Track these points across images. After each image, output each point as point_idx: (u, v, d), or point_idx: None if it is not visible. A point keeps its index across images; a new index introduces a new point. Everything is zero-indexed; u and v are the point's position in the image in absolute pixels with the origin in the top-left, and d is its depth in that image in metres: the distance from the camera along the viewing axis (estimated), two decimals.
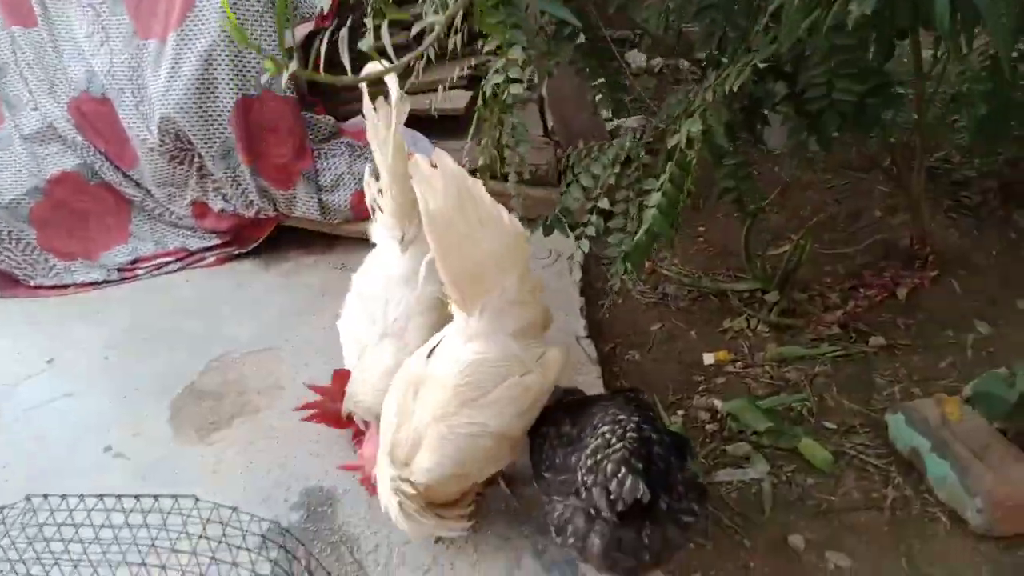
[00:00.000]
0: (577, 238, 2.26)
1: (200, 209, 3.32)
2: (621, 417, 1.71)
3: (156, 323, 3.04)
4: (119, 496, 1.24)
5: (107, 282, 3.31)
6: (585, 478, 1.67)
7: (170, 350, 2.85)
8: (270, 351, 2.83)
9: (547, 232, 2.36)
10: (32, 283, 3.28)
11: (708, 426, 2.38)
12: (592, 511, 1.65)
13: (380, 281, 2.25)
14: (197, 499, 1.77)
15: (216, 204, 3.28)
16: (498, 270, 1.79)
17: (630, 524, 1.63)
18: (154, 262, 3.35)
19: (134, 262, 3.35)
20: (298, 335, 2.89)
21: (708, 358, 2.64)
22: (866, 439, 2.27)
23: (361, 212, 3.15)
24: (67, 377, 2.80)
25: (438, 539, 2.02)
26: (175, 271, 3.35)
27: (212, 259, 3.36)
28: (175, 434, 2.50)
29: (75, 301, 3.26)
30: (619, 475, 1.57)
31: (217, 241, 3.37)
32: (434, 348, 1.89)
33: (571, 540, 1.70)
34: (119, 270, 3.34)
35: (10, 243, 3.25)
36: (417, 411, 1.85)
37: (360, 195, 3.01)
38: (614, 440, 1.64)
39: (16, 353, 2.96)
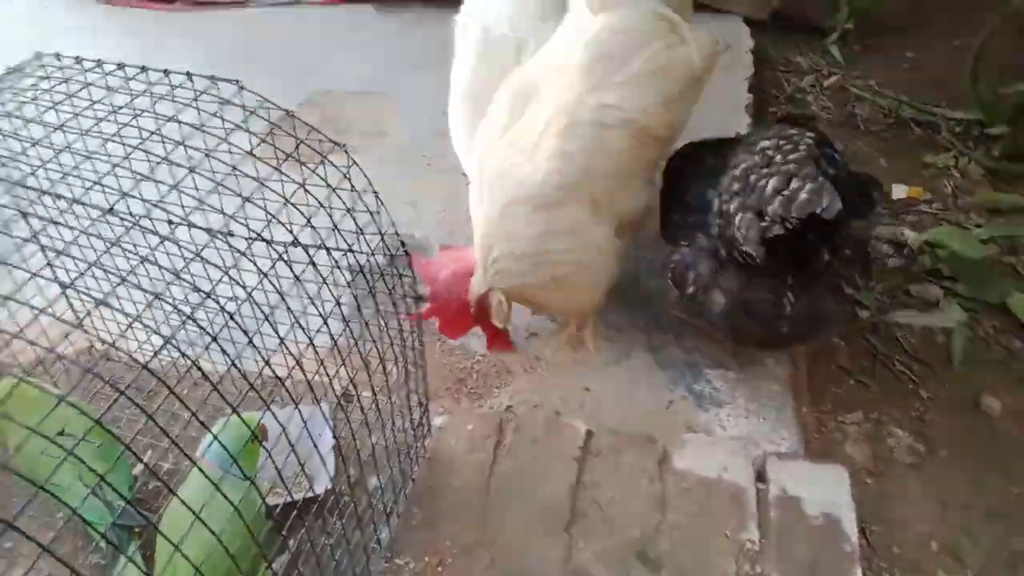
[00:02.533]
0: None
1: None
2: (791, 132, 1.26)
3: (260, 51, 2.71)
4: (144, 67, 0.97)
5: (214, 2, 2.99)
6: (726, 205, 1.25)
7: (269, 77, 2.53)
8: (377, 96, 2.48)
9: None
10: None
11: (890, 260, 1.89)
12: (725, 252, 1.25)
13: (501, 27, 1.72)
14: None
15: None
16: None
17: (767, 281, 1.21)
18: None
19: None
20: (410, 83, 2.51)
21: (899, 191, 2.11)
22: None
23: None
24: None
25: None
26: (287, 3, 2.98)
27: None
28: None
29: (177, 19, 2.97)
30: (786, 191, 1.14)
31: None
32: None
33: (691, 290, 1.31)
34: None
35: None
36: (528, 114, 1.44)
37: None
38: (778, 157, 1.20)
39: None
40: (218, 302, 0.83)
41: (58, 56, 1.07)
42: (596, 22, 1.42)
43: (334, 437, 1.28)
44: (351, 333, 1.06)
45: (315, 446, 1.01)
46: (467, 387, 1.57)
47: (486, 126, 1.51)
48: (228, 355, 0.81)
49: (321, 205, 1.01)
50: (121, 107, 0.98)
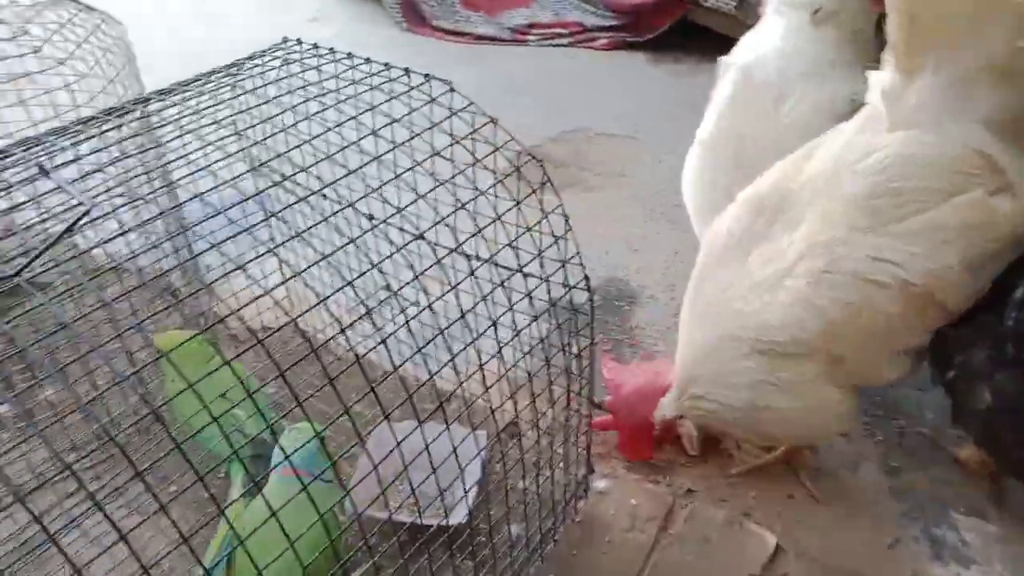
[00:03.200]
0: None
1: None
2: None
3: (527, 84, 2.78)
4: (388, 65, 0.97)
5: (498, 39, 3.14)
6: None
7: (531, 109, 2.58)
8: (626, 139, 2.41)
9: None
10: (434, 23, 3.25)
11: None
12: (1014, 350, 1.00)
13: (767, 72, 1.53)
14: None
15: None
16: (979, 6, 1.04)
17: None
18: (548, 31, 3.09)
19: (529, 26, 3.12)
20: (662, 129, 2.40)
21: None
22: None
23: None
24: None
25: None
26: (564, 44, 3.05)
27: (604, 41, 2.98)
28: None
29: (463, 49, 3.16)
30: None
31: (614, 22, 2.98)
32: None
33: (951, 374, 1.07)
34: (512, 30, 3.14)
35: None
36: (775, 234, 1.16)
37: None
38: None
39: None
40: (431, 308, 0.77)
41: (299, 41, 1.10)
42: (889, 140, 1.09)
43: (483, 470, 1.18)
44: (528, 366, 0.95)
45: (461, 474, 0.90)
46: (652, 463, 1.38)
47: (720, 227, 1.23)
48: (428, 366, 0.75)
49: (528, 229, 0.91)
50: (345, 99, 0.96)
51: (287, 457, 0.97)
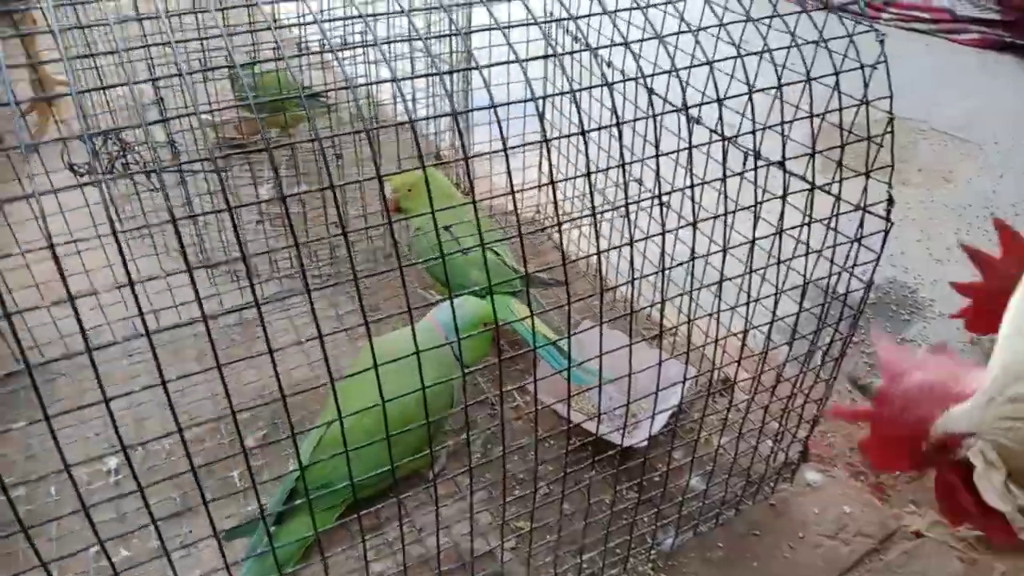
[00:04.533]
0: None
1: None
2: None
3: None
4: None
5: (846, 9, 2.82)
6: None
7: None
8: (962, 142, 2.05)
9: None
10: None
11: None
12: None
13: None
14: None
15: None
16: None
17: None
18: (906, 13, 2.70)
19: (886, 3, 2.76)
20: (1011, 141, 1.99)
21: None
22: None
23: None
24: None
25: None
26: (921, 31, 2.65)
27: (973, 35, 2.55)
28: None
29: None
30: None
31: (995, 16, 2.51)
32: None
33: None
34: (866, 3, 2.80)
35: None
36: None
37: None
38: None
39: None
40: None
41: None
42: None
43: (678, 406, 1.05)
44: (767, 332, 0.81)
45: (655, 396, 0.80)
46: (880, 477, 1.15)
47: None
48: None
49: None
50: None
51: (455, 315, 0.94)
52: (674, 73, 0.65)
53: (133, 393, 0.53)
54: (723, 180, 0.67)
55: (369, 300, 1.41)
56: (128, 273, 0.45)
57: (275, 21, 0.96)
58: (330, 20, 0.84)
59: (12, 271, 1.19)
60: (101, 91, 1.35)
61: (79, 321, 0.45)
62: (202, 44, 1.30)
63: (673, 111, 0.69)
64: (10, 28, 1.55)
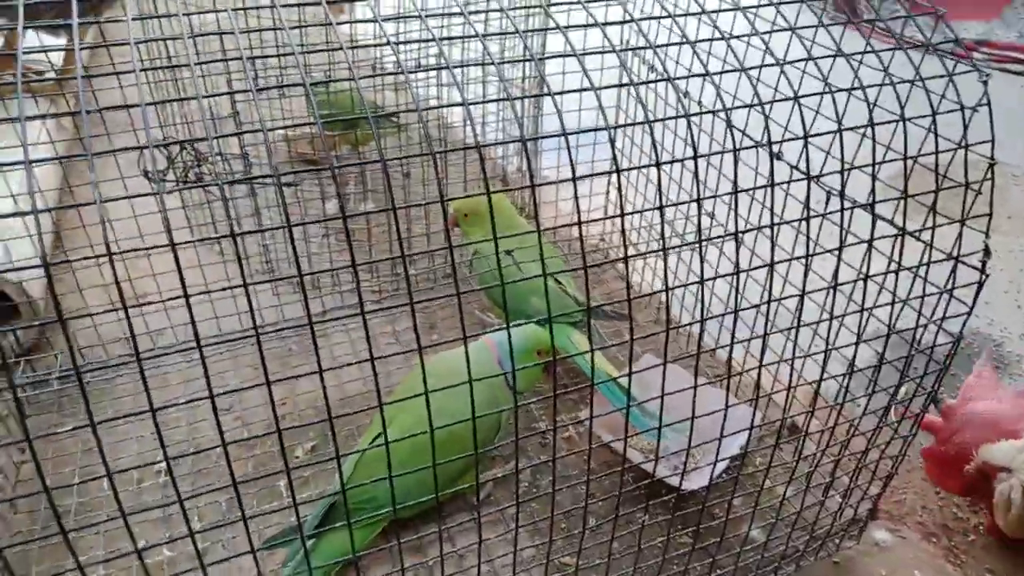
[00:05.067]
0: None
1: None
2: None
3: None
4: None
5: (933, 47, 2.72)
6: None
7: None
8: None
9: None
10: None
11: None
12: None
13: None
14: None
15: None
16: None
17: None
18: (1001, 53, 2.59)
19: (979, 43, 2.65)
20: None
21: None
22: None
23: None
24: None
25: None
26: (1017, 72, 2.54)
27: None
28: None
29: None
30: None
31: None
32: None
33: None
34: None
35: None
36: None
37: None
38: None
39: None
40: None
41: None
42: None
43: (742, 452, 1.00)
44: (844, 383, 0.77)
45: (719, 444, 0.76)
46: (953, 540, 1.08)
47: None
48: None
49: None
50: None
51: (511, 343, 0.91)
52: (757, 107, 0.62)
53: (177, 404, 0.53)
54: (807, 220, 0.64)
55: (428, 318, 1.40)
56: (183, 281, 0.45)
57: (352, 41, 0.97)
58: (405, 43, 0.84)
59: (87, 270, 1.23)
60: (180, 103, 1.39)
61: (131, 327, 0.45)
62: (279, 60, 1.33)
63: (754, 146, 0.66)
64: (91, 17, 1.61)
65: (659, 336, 1.34)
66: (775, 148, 0.66)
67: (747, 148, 0.65)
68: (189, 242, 0.50)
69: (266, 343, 1.20)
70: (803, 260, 0.67)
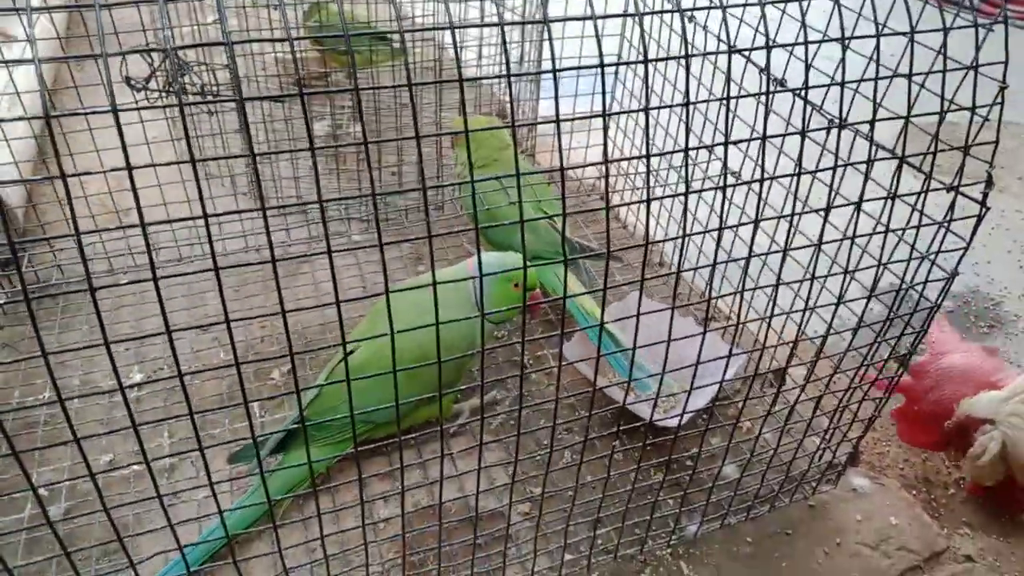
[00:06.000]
0: None
1: None
2: None
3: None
4: None
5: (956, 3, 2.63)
6: None
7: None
8: None
9: None
10: None
11: None
12: None
13: None
14: None
15: None
16: None
17: None
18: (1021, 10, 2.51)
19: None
20: None
21: None
22: None
23: None
24: None
25: None
26: None
27: None
28: None
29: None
30: None
31: None
32: None
33: None
34: (987, 1, 2.60)
35: None
36: None
37: None
38: None
39: None
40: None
41: None
42: None
43: (718, 391, 0.99)
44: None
45: (694, 372, 0.73)
46: (933, 493, 1.06)
47: None
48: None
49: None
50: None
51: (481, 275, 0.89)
52: (789, 47, 0.58)
53: (131, 338, 0.50)
54: (800, 144, 0.60)
55: (417, 250, 1.38)
56: (139, 208, 0.43)
57: None
58: None
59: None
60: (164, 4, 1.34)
61: (82, 253, 0.42)
62: None
63: (786, 90, 0.62)
64: None
65: (653, 280, 1.31)
66: (802, 92, 0.62)
67: (780, 92, 0.61)
68: (156, 164, 0.47)
69: (251, 268, 1.18)
70: (796, 183, 0.64)
